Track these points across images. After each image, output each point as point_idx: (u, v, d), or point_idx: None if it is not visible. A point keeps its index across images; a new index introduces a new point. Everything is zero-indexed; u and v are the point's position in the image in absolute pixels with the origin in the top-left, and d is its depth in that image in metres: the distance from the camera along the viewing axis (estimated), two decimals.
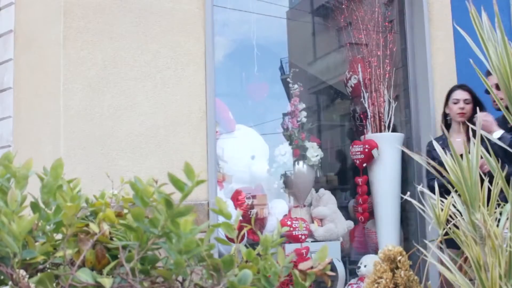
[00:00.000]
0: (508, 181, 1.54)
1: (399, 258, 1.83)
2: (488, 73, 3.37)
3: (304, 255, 4.01)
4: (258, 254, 1.13)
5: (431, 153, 3.50)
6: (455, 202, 1.60)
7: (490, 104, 3.71)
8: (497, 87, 3.27)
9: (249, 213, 4.06)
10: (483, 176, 1.56)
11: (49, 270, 1.06)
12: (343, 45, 5.05)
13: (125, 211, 1.27)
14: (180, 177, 1.02)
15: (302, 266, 1.14)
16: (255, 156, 4.41)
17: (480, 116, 3.29)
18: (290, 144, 4.48)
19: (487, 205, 1.51)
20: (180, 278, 1.08)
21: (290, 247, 4.05)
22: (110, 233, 1.13)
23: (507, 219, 1.46)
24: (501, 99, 3.26)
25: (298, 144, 4.44)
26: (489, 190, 1.56)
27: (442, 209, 1.70)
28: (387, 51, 4.54)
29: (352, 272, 4.58)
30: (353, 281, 4.38)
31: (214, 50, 3.61)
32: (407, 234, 4.50)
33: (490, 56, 1.47)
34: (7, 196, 1.03)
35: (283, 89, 5.56)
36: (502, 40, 1.45)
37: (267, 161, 4.51)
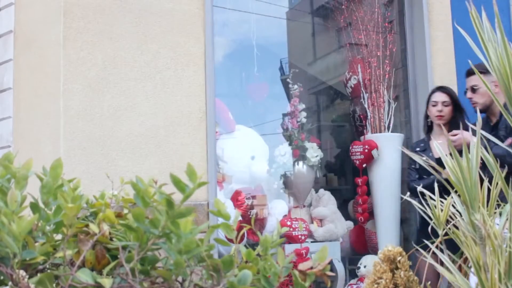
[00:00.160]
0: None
1: (398, 258, 1.83)
2: (467, 74, 3.36)
3: (304, 256, 4.01)
4: (258, 255, 1.13)
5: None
6: (454, 202, 1.60)
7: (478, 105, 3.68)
8: (472, 89, 3.27)
9: (249, 213, 4.06)
10: (483, 176, 1.56)
11: (49, 271, 1.06)
12: (343, 45, 5.05)
13: (125, 211, 1.27)
14: (180, 177, 1.02)
15: (302, 266, 1.14)
16: (255, 157, 4.41)
17: (452, 138, 3.22)
18: (290, 145, 4.48)
19: (487, 206, 1.51)
20: (180, 279, 1.09)
21: (290, 248, 4.05)
22: (110, 233, 1.13)
23: (507, 219, 1.46)
24: (476, 102, 3.26)
25: (298, 144, 4.44)
26: (489, 190, 1.56)
27: (442, 210, 1.71)
28: (387, 51, 4.55)
29: (351, 272, 4.58)
30: (352, 281, 4.37)
31: (214, 50, 3.61)
32: (407, 234, 4.51)
33: (490, 57, 1.47)
34: (7, 197, 1.03)
35: (283, 90, 5.56)
36: (502, 41, 1.45)
37: (267, 161, 4.51)
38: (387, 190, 4.22)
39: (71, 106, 3.15)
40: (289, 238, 4.08)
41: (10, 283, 0.97)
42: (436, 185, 3.26)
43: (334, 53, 5.98)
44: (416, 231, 3.50)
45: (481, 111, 3.30)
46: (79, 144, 3.13)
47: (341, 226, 4.49)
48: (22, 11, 3.65)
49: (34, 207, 1.10)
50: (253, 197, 4.21)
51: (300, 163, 4.48)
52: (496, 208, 1.57)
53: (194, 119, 3.45)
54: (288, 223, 4.12)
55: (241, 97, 5.25)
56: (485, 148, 1.58)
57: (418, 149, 3.49)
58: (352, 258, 4.80)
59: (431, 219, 1.71)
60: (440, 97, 3.52)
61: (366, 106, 4.52)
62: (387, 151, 4.23)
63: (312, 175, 4.56)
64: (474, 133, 3.11)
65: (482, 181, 1.56)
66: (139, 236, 1.05)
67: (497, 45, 1.46)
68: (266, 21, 5.41)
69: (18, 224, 0.97)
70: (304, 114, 4.49)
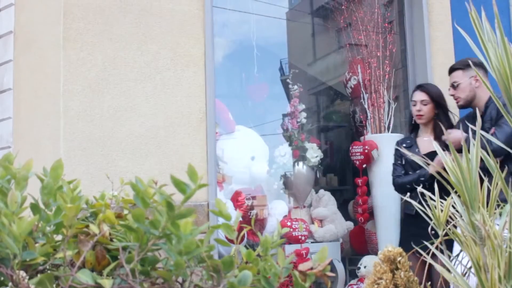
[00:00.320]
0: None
1: (399, 259, 1.83)
2: (448, 72, 3.35)
3: (304, 256, 4.01)
4: (258, 255, 1.13)
5: (399, 151, 3.49)
6: (454, 203, 1.60)
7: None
8: (453, 86, 3.27)
9: (249, 214, 4.06)
10: (483, 176, 1.56)
11: (49, 271, 1.06)
12: (343, 46, 5.05)
13: (125, 212, 1.27)
14: (180, 178, 1.02)
15: (302, 267, 1.14)
16: (255, 157, 4.41)
17: (446, 138, 3.23)
18: (290, 145, 4.48)
19: (487, 206, 1.51)
20: (180, 279, 1.09)
21: (290, 248, 4.05)
22: (110, 234, 1.13)
23: (507, 220, 1.46)
24: (458, 98, 3.26)
25: (298, 145, 4.45)
26: (489, 190, 1.56)
27: (442, 210, 1.71)
28: (387, 52, 4.55)
29: (352, 273, 4.58)
30: (353, 282, 4.37)
31: (214, 51, 3.61)
32: None
33: (490, 57, 1.47)
34: (7, 197, 1.03)
35: (283, 90, 5.57)
36: (502, 41, 1.45)
37: (267, 162, 4.51)
38: (387, 191, 4.21)
39: (71, 106, 3.15)
40: (289, 239, 4.08)
41: (10, 284, 0.97)
42: (420, 181, 3.25)
43: (334, 54, 5.98)
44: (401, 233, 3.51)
45: (464, 107, 3.30)
46: (79, 144, 3.13)
47: (341, 227, 4.49)
48: (22, 12, 3.65)
49: (34, 208, 1.10)
50: (253, 197, 4.22)
51: (300, 163, 4.48)
52: (496, 209, 1.57)
53: (194, 120, 3.45)
54: (288, 223, 4.12)
55: (241, 98, 5.25)
56: (484, 148, 1.58)
57: (404, 145, 3.48)
58: (352, 258, 4.81)
59: (430, 219, 1.72)
60: (418, 96, 3.48)
61: (366, 106, 4.52)
62: (387, 152, 4.22)
63: (312, 175, 4.56)
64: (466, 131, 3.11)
65: (482, 181, 1.56)
66: (139, 237, 1.05)
67: (496, 45, 1.46)
68: (266, 22, 5.42)
69: (18, 225, 0.98)
70: (304, 114, 4.49)
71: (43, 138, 3.29)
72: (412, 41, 4.46)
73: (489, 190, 1.55)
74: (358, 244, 4.72)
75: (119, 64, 3.29)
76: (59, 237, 1.12)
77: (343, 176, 6.01)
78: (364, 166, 4.32)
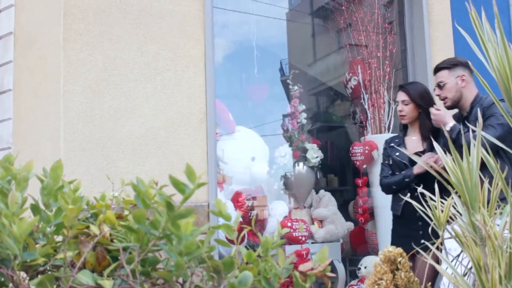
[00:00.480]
0: None
1: (399, 259, 1.83)
2: (434, 72, 3.33)
3: (305, 257, 4.01)
4: (259, 256, 1.13)
5: (387, 151, 3.48)
6: (455, 203, 1.60)
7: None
8: (439, 86, 3.25)
9: (249, 214, 4.06)
10: (483, 177, 1.56)
11: (49, 272, 1.06)
12: (343, 46, 5.06)
13: (126, 212, 1.27)
14: (181, 179, 1.02)
15: (303, 267, 1.14)
16: (255, 158, 4.41)
17: (431, 110, 3.25)
18: (290, 146, 4.48)
19: (487, 206, 1.51)
20: (180, 280, 1.09)
21: (291, 249, 4.05)
22: (110, 235, 1.13)
23: (507, 220, 1.46)
24: (445, 98, 3.24)
25: (298, 145, 4.45)
26: (489, 191, 1.56)
27: (442, 211, 1.71)
28: (387, 52, 4.55)
29: (352, 273, 4.58)
30: (353, 282, 4.38)
31: (214, 51, 3.61)
32: None
33: (490, 57, 1.47)
34: (7, 198, 1.03)
35: (283, 91, 5.57)
36: (502, 41, 1.45)
37: (267, 162, 4.52)
38: None
39: (71, 107, 3.15)
40: (290, 239, 4.08)
41: (10, 284, 0.97)
42: (405, 182, 3.24)
43: (334, 54, 5.99)
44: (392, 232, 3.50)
45: (452, 107, 3.27)
46: (79, 145, 3.13)
47: (342, 227, 4.49)
48: (22, 12, 3.65)
49: (35, 208, 1.10)
50: (254, 198, 4.22)
51: (301, 164, 4.48)
52: (496, 209, 1.57)
53: (194, 120, 3.45)
54: (289, 224, 4.12)
55: (241, 98, 5.25)
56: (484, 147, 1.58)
57: (392, 144, 3.47)
58: (352, 259, 4.81)
59: (431, 219, 1.71)
60: (400, 96, 3.46)
61: (366, 107, 4.52)
62: None
63: (312, 176, 4.56)
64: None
65: (482, 182, 1.56)
66: (139, 238, 1.05)
67: (497, 45, 1.46)
68: (266, 22, 5.42)
69: (18, 225, 0.98)
70: (304, 115, 4.50)
71: (43, 138, 3.29)
72: (412, 41, 4.46)
73: (489, 190, 1.55)
74: (358, 245, 4.72)
75: (119, 65, 3.29)
76: (59, 238, 1.12)
77: (343, 177, 6.01)
78: (364, 166, 4.32)
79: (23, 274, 0.97)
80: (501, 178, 1.53)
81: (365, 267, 4.15)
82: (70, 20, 3.21)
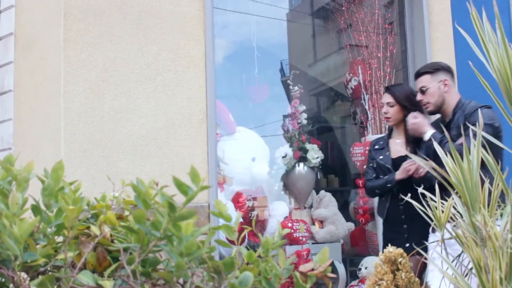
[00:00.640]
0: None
1: (399, 260, 1.83)
2: (415, 76, 3.29)
3: (305, 257, 4.01)
4: (259, 256, 1.13)
5: (372, 153, 3.48)
6: (455, 204, 1.60)
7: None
8: (421, 91, 3.21)
9: (249, 215, 4.06)
10: (483, 177, 1.56)
11: (50, 273, 1.06)
12: (343, 47, 5.06)
13: (126, 213, 1.27)
14: (181, 179, 1.02)
15: (303, 268, 1.14)
16: (256, 158, 4.42)
17: (409, 118, 3.21)
18: (290, 146, 4.48)
19: (488, 207, 1.51)
20: (181, 280, 1.09)
21: (291, 249, 4.05)
22: (111, 235, 1.13)
23: (508, 220, 1.46)
24: (428, 103, 3.21)
25: (299, 146, 4.45)
26: (490, 191, 1.56)
27: (442, 211, 1.71)
28: (387, 52, 4.55)
29: (352, 274, 4.58)
30: (354, 283, 4.37)
31: (214, 52, 3.61)
32: None
33: (491, 58, 1.47)
34: (8, 199, 1.03)
35: (283, 91, 5.57)
36: (503, 42, 1.45)
37: (267, 163, 4.52)
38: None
39: (72, 108, 3.15)
40: (290, 240, 4.08)
41: (11, 285, 0.97)
42: (388, 187, 3.24)
43: (335, 55, 5.99)
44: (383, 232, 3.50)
45: (434, 112, 3.24)
46: (79, 146, 3.13)
47: (342, 228, 4.49)
48: (23, 13, 3.65)
49: (35, 209, 1.10)
50: (254, 198, 4.22)
51: (301, 164, 4.48)
52: (497, 209, 1.57)
53: (195, 121, 3.45)
54: (289, 224, 4.12)
55: (241, 99, 5.26)
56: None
57: (377, 146, 3.46)
58: (353, 259, 4.81)
59: (431, 220, 1.71)
60: (385, 98, 3.44)
61: (366, 107, 4.52)
62: None
63: (312, 176, 4.56)
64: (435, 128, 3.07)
65: (483, 182, 1.56)
66: (140, 238, 1.05)
67: (497, 46, 1.47)
68: (266, 23, 5.42)
69: (19, 226, 0.98)
70: (304, 115, 4.50)
71: (44, 139, 3.29)
72: (413, 42, 4.46)
73: (490, 191, 1.56)
74: (359, 245, 4.72)
75: (119, 66, 3.29)
76: (60, 239, 1.12)
77: (344, 177, 6.01)
78: (364, 167, 4.31)
79: (23, 274, 0.97)
80: (501, 179, 1.53)
81: (366, 268, 4.15)
82: (70, 20, 3.21)
